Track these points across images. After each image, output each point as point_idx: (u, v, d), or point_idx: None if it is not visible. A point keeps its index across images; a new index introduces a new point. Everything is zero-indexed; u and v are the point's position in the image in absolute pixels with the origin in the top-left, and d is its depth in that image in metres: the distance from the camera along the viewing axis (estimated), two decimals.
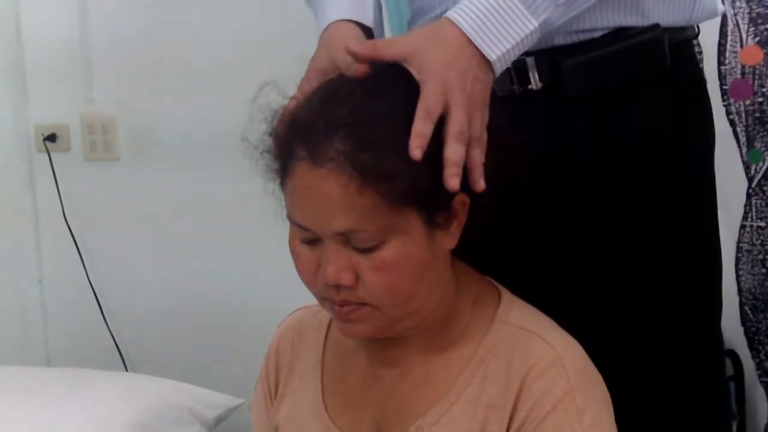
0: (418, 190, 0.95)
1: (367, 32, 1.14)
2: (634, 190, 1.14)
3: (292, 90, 1.04)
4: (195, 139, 2.38)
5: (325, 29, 1.13)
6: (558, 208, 1.15)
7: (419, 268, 0.98)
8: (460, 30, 0.99)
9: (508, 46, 1.00)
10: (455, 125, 0.95)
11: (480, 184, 0.97)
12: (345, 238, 0.96)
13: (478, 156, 0.97)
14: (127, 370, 2.48)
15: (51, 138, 2.52)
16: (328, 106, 0.96)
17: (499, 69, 1.01)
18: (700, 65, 1.25)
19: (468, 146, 0.96)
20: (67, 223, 2.51)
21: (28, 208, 2.58)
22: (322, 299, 1.02)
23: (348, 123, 0.94)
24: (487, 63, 0.99)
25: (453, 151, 0.95)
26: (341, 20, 1.13)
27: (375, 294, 0.98)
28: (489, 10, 0.99)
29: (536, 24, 1.01)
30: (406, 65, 0.98)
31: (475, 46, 0.99)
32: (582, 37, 1.12)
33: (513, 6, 1.00)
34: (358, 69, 0.99)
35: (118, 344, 2.50)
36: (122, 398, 1.99)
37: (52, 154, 2.51)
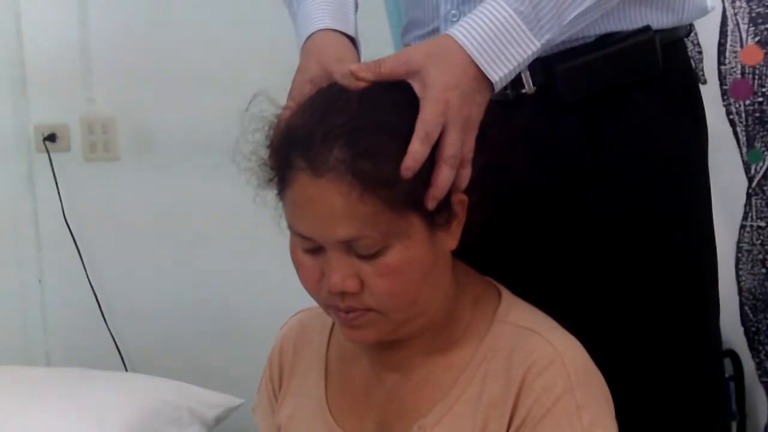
0: (419, 193, 0.95)
1: (351, 42, 1.14)
2: (628, 190, 1.14)
3: (283, 98, 1.04)
4: (195, 140, 2.38)
5: (309, 38, 1.12)
6: (554, 208, 1.15)
7: (422, 271, 0.98)
8: (465, 51, 0.98)
9: (511, 68, 1.00)
10: (450, 149, 0.96)
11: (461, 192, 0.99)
12: (348, 246, 0.96)
13: (467, 175, 0.98)
14: (126, 370, 2.48)
15: (51, 138, 2.52)
16: (326, 116, 0.96)
17: (498, 88, 1.01)
18: (700, 63, 1.25)
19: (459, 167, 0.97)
20: (67, 223, 2.51)
21: (28, 208, 2.58)
22: (327, 306, 1.02)
23: (347, 132, 0.94)
24: (488, 83, 0.99)
25: (443, 177, 0.95)
26: (325, 29, 1.12)
27: (380, 299, 0.98)
28: (494, 31, 0.99)
29: (539, 45, 1.01)
30: (409, 80, 0.98)
31: (478, 68, 0.99)
32: (575, 42, 1.12)
33: (517, 27, 0.99)
34: (358, 86, 0.98)
35: (118, 344, 2.50)
36: (122, 398, 1.99)
37: (52, 154, 2.51)
